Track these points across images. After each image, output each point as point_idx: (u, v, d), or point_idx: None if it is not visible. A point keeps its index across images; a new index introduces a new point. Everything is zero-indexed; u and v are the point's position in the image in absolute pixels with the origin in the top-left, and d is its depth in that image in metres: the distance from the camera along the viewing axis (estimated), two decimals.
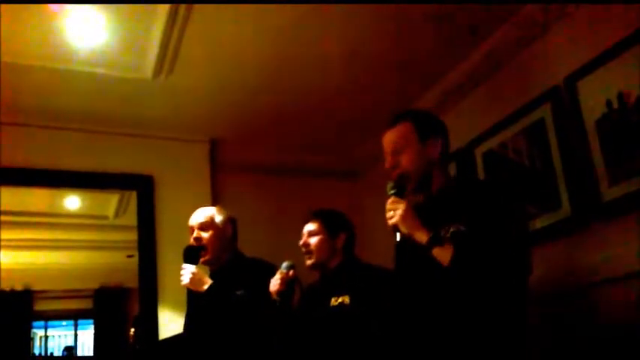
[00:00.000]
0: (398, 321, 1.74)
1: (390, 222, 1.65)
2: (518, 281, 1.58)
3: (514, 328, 1.58)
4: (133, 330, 3.94)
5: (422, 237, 1.59)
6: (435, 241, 1.57)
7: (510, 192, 1.72)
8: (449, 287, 1.58)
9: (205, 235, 2.37)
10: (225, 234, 2.43)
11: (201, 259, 2.38)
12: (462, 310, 1.55)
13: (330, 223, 2.38)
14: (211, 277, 2.37)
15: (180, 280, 2.29)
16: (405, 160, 1.73)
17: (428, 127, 1.78)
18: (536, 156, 2.69)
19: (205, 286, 2.24)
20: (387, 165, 1.77)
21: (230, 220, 2.48)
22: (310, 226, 2.38)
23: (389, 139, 1.78)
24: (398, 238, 1.65)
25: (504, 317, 1.56)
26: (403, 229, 1.62)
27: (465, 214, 1.60)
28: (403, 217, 1.62)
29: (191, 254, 2.33)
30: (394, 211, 1.64)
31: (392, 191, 1.70)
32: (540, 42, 2.73)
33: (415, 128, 1.76)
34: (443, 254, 1.55)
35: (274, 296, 2.19)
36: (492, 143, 2.93)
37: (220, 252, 2.40)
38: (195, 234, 2.38)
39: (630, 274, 2.15)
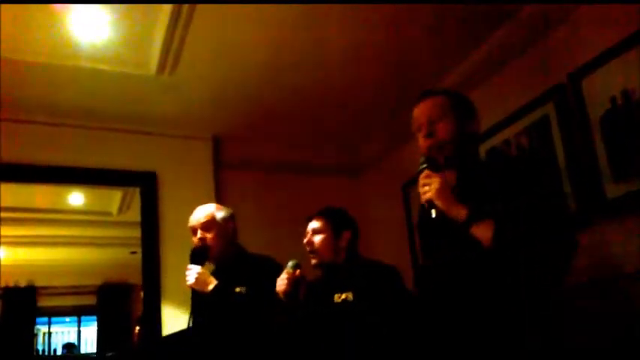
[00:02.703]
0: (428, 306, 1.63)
1: (425, 196, 1.52)
2: (565, 258, 1.45)
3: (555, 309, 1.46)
4: (138, 328, 3.95)
5: (460, 213, 1.46)
6: (475, 217, 1.44)
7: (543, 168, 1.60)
8: (491, 266, 1.46)
9: (209, 235, 2.37)
10: (227, 231, 2.42)
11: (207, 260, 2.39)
12: (505, 290, 1.44)
13: (335, 222, 2.36)
14: (216, 273, 2.38)
15: (186, 281, 2.29)
16: (442, 130, 1.61)
17: (463, 104, 1.67)
18: (539, 153, 2.68)
19: (210, 287, 2.25)
20: (423, 133, 1.63)
21: (230, 216, 2.47)
22: (315, 224, 2.37)
23: (423, 109, 1.66)
24: (433, 215, 1.51)
25: (548, 297, 1.44)
26: (439, 204, 1.49)
27: (501, 191, 1.48)
28: (439, 190, 1.50)
29: (198, 256, 2.33)
30: (429, 185, 1.52)
31: (424, 165, 1.57)
32: (544, 40, 2.72)
33: (450, 103, 1.65)
34: (483, 231, 1.42)
35: (281, 296, 2.19)
36: (496, 140, 2.93)
37: (224, 249, 2.40)
38: (199, 234, 2.37)
39: (634, 272, 2.14)
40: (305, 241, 2.36)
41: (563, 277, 1.47)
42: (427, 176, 1.53)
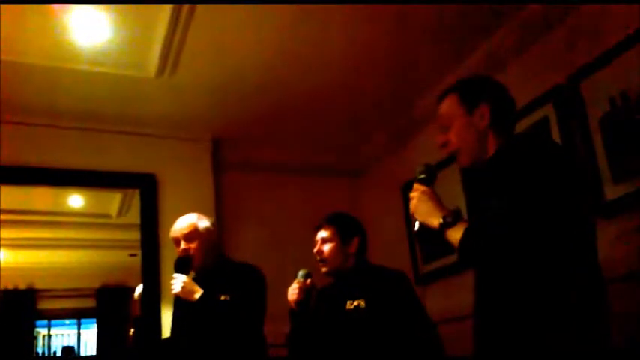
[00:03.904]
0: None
1: (410, 211, 1.53)
2: (561, 264, 1.30)
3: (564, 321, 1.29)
4: (132, 330, 3.95)
5: (434, 222, 1.44)
6: (445, 224, 1.41)
7: (555, 158, 1.38)
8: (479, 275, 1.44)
9: (192, 245, 2.40)
10: (210, 240, 2.45)
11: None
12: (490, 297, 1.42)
13: (343, 229, 2.35)
14: (197, 280, 2.39)
15: (172, 289, 2.32)
16: (454, 136, 1.56)
17: (473, 94, 1.57)
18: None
19: (196, 295, 2.27)
20: (438, 144, 1.61)
21: (212, 225, 2.51)
22: (323, 233, 2.35)
23: (438, 116, 1.63)
24: (416, 227, 1.51)
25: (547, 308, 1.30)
26: (417, 217, 1.49)
27: (498, 186, 1.40)
28: (416, 205, 1.50)
29: (182, 265, 2.36)
30: (411, 200, 1.52)
31: (419, 177, 1.56)
32: (543, 41, 2.73)
33: (460, 99, 1.57)
34: (454, 236, 1.38)
35: (292, 305, 2.20)
36: None
37: (207, 258, 2.43)
38: (182, 245, 2.41)
39: (632, 273, 2.14)
40: (315, 250, 2.35)
41: (576, 279, 1.32)
42: (414, 190, 1.54)
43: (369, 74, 3.26)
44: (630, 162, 2.25)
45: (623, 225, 2.26)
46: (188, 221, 2.45)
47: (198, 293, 2.26)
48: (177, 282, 2.30)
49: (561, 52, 2.62)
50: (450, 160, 1.62)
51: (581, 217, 1.39)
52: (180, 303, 2.38)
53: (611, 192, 2.33)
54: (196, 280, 2.37)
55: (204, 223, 2.47)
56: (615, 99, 2.32)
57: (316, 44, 2.93)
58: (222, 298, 2.28)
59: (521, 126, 2.76)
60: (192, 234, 2.41)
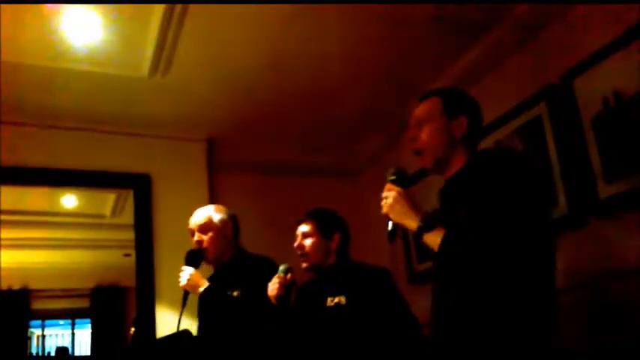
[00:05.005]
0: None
1: (382, 210, 1.58)
2: (526, 273, 1.40)
3: (526, 326, 1.39)
4: (133, 329, 3.94)
5: (411, 224, 1.51)
6: (425, 227, 1.48)
7: (524, 173, 1.48)
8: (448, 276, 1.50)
9: (205, 237, 2.39)
10: (225, 233, 2.44)
11: (204, 262, 2.41)
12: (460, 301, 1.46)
13: (324, 224, 2.36)
14: (214, 275, 2.40)
15: (178, 282, 2.32)
16: (425, 134, 1.64)
17: (456, 103, 1.66)
18: (532, 154, 2.68)
19: (201, 289, 2.28)
20: (408, 137, 1.69)
21: (230, 218, 2.49)
22: (304, 228, 2.36)
23: (415, 111, 1.70)
24: (389, 227, 1.57)
25: (512, 313, 1.39)
26: (392, 217, 1.56)
27: (470, 197, 1.47)
28: (392, 205, 1.56)
29: (193, 258, 2.37)
30: (385, 199, 1.58)
31: (390, 177, 1.64)
32: (536, 40, 2.73)
33: (443, 103, 1.66)
34: (433, 240, 1.46)
35: (273, 300, 2.20)
36: (487, 142, 2.93)
37: (222, 251, 2.42)
38: (196, 237, 2.40)
39: (627, 272, 2.15)
40: (295, 245, 2.36)
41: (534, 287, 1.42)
42: (387, 189, 1.60)
43: (365, 74, 3.25)
44: (623, 161, 2.26)
45: (617, 224, 2.27)
46: (203, 213, 2.45)
47: (202, 287, 2.27)
48: (184, 274, 2.31)
49: (554, 52, 2.63)
50: None
51: (545, 227, 1.50)
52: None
53: (605, 191, 2.33)
54: (214, 274, 2.38)
55: (220, 215, 2.45)
56: (609, 98, 2.33)
57: (311, 44, 2.92)
58: (235, 294, 2.27)
59: (514, 124, 2.78)
60: (207, 226, 2.40)
